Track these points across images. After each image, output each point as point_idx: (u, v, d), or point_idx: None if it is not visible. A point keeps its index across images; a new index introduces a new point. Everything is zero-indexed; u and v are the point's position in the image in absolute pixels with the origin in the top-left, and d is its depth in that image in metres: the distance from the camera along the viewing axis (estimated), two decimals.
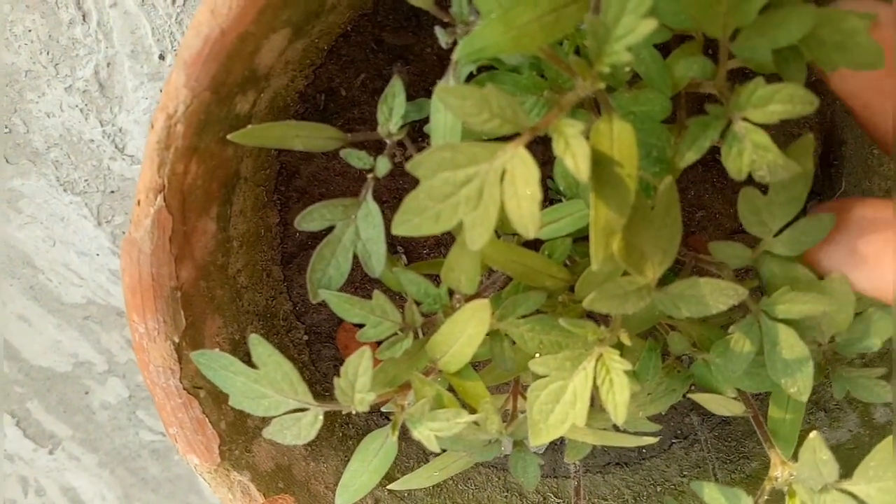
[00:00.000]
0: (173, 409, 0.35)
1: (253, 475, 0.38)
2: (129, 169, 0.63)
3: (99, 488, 0.73)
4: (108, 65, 0.60)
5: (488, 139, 0.39)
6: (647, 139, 0.31)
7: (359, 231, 0.33)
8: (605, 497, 0.50)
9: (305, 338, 0.47)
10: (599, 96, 0.27)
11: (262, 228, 0.43)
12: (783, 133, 0.46)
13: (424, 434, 0.31)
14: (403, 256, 0.46)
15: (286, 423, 0.31)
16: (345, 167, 0.45)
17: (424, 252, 0.47)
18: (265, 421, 0.34)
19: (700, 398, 0.36)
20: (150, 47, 0.59)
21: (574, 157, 0.25)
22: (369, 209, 0.33)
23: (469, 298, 0.33)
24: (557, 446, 0.51)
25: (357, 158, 0.33)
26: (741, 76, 0.44)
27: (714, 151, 0.31)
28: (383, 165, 0.33)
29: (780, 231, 0.33)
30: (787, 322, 0.34)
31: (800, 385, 0.32)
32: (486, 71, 0.34)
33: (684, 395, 0.38)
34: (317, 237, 0.46)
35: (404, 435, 0.35)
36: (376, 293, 0.32)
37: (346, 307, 0.32)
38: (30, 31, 0.59)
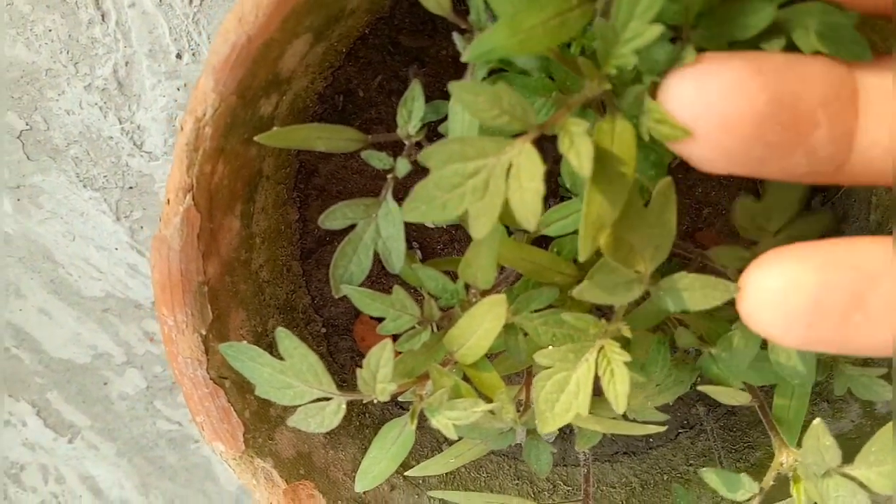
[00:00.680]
0: (200, 398, 0.37)
1: (275, 462, 0.40)
2: (147, 165, 0.64)
3: (117, 476, 0.75)
4: (127, 63, 0.61)
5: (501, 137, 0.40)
6: (648, 142, 0.33)
7: (379, 229, 0.34)
8: (614, 485, 0.52)
9: (323, 330, 0.48)
10: (606, 97, 0.29)
11: (283, 225, 0.44)
12: None
13: (443, 423, 0.33)
14: (419, 252, 0.48)
15: (310, 412, 0.33)
16: (362, 166, 0.46)
17: (439, 248, 0.48)
18: (287, 410, 0.36)
19: (708, 389, 0.38)
20: (168, 46, 0.60)
21: (578, 154, 0.26)
22: (389, 208, 0.34)
23: (484, 294, 0.35)
24: (567, 436, 0.53)
25: (378, 160, 0.35)
26: None
27: None
28: (403, 166, 0.34)
29: (780, 230, 0.34)
30: None
31: (803, 377, 0.33)
32: (498, 73, 0.35)
33: (692, 387, 0.39)
34: (334, 234, 0.47)
35: (420, 425, 0.36)
36: (396, 288, 0.34)
37: (368, 301, 0.34)
38: (50, 30, 0.60)
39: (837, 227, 0.52)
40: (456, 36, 0.32)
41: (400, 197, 0.46)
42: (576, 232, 0.39)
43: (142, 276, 0.66)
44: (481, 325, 0.32)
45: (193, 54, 0.60)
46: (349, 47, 0.43)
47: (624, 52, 0.27)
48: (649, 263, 0.29)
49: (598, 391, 0.33)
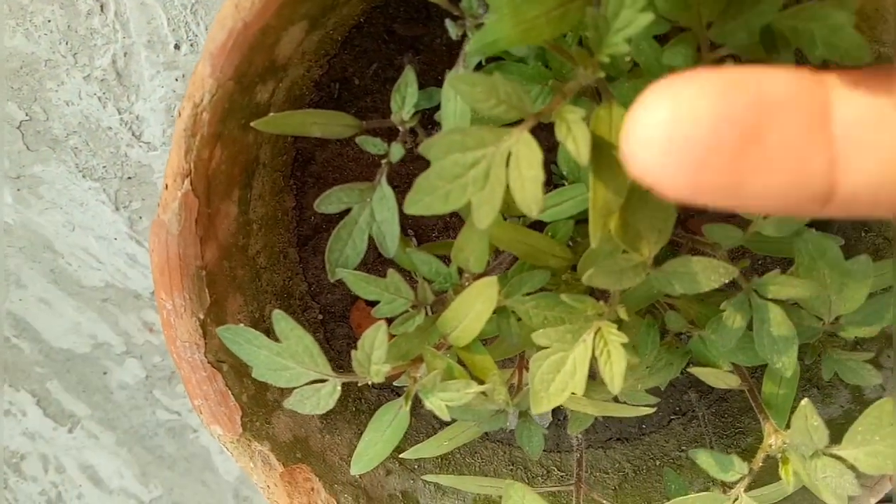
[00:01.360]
0: (198, 381, 0.37)
1: (272, 446, 0.40)
2: (146, 155, 0.64)
3: (117, 466, 0.75)
4: (125, 54, 0.61)
5: (495, 125, 0.41)
6: None
7: (374, 213, 0.35)
8: (606, 470, 0.52)
9: (320, 317, 0.49)
10: (600, 85, 0.29)
11: (280, 212, 0.45)
12: None
13: (436, 404, 0.33)
14: (414, 239, 0.48)
15: (306, 394, 0.34)
16: (358, 153, 0.47)
17: (434, 234, 0.49)
18: (284, 395, 0.36)
19: (698, 372, 0.38)
20: (166, 37, 0.61)
21: (575, 141, 0.27)
22: (384, 193, 0.35)
23: (477, 277, 0.35)
24: (561, 422, 0.53)
25: (372, 145, 0.35)
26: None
27: None
28: (397, 151, 0.35)
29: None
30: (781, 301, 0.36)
31: (785, 361, 0.34)
32: (493, 62, 0.36)
33: (683, 371, 0.40)
34: (331, 221, 0.48)
35: (414, 410, 0.37)
36: (390, 272, 0.34)
37: (363, 285, 0.34)
38: (49, 21, 0.61)
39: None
40: (448, 23, 0.33)
41: (394, 182, 0.47)
42: (570, 217, 0.39)
43: (141, 266, 0.67)
44: (473, 308, 0.33)
45: (192, 45, 0.60)
46: (345, 35, 0.44)
47: (616, 41, 0.27)
48: (653, 247, 0.30)
49: (589, 374, 0.34)
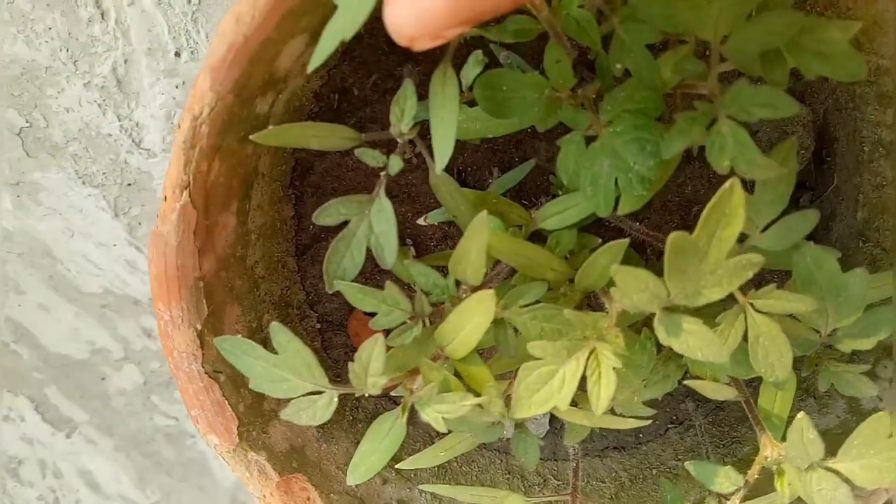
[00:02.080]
0: (195, 392, 0.37)
1: (269, 455, 0.40)
2: (146, 162, 0.65)
3: (115, 471, 0.76)
4: (126, 62, 0.62)
5: (493, 137, 0.41)
6: (641, 135, 0.33)
7: (372, 225, 0.35)
8: (603, 479, 0.52)
9: (318, 326, 0.49)
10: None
11: (278, 222, 0.45)
12: (778, 130, 0.48)
13: (432, 416, 0.34)
14: (412, 248, 0.48)
15: (302, 405, 0.34)
16: (356, 163, 0.47)
17: (432, 245, 0.49)
18: (280, 404, 0.36)
19: (694, 384, 0.39)
20: (167, 45, 0.61)
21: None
22: (382, 205, 0.35)
23: (475, 289, 0.35)
24: (558, 430, 0.53)
25: (371, 157, 0.35)
26: (736, 78, 0.46)
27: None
28: (396, 164, 0.35)
29: (767, 227, 0.35)
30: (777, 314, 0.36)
31: (779, 375, 0.34)
32: (488, 69, 0.36)
33: (679, 382, 0.40)
34: (329, 230, 0.48)
35: (411, 419, 0.37)
36: (388, 284, 0.35)
37: (360, 297, 0.35)
38: (50, 28, 0.61)
39: (827, 224, 0.52)
40: None
41: (393, 194, 0.47)
42: (573, 226, 0.40)
43: (140, 272, 0.67)
44: (471, 320, 0.33)
45: (192, 52, 0.60)
46: (345, 46, 0.44)
47: None
48: None
49: (585, 386, 0.34)
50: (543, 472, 0.53)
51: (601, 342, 0.33)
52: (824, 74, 0.32)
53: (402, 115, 0.35)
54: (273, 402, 0.42)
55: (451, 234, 0.49)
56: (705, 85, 0.32)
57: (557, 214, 0.38)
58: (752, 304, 0.35)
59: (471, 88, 0.35)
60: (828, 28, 0.31)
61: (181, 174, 0.34)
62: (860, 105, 0.46)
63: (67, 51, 0.62)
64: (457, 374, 0.36)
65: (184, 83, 0.62)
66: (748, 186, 0.35)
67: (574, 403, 0.39)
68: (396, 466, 0.41)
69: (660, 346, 0.39)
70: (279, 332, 0.32)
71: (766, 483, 0.40)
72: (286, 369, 0.33)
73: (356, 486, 0.45)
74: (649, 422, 0.37)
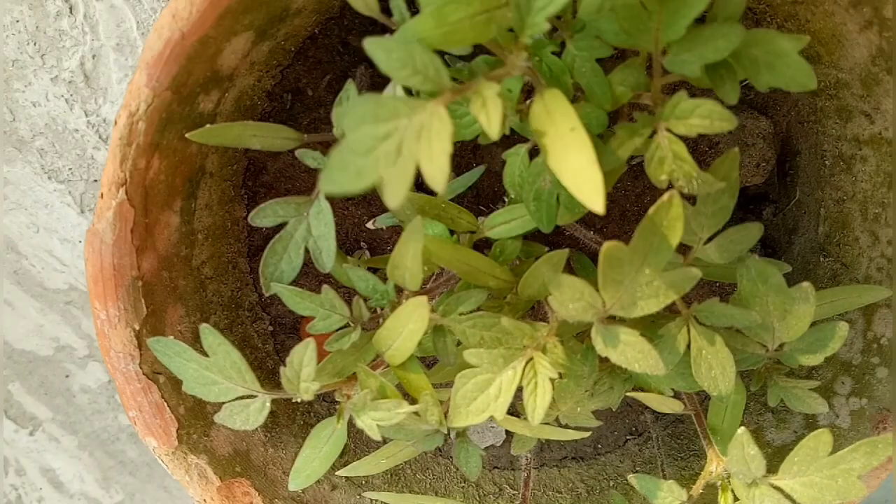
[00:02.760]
0: (133, 393, 0.37)
1: (210, 459, 0.40)
2: None
3: (78, 470, 0.75)
4: (94, 57, 0.61)
5: None
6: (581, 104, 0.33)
7: (311, 227, 0.34)
8: (560, 490, 0.52)
9: (270, 328, 0.48)
10: (529, 73, 0.29)
11: (229, 222, 0.44)
12: (738, 143, 0.48)
13: (367, 423, 0.33)
14: (367, 252, 0.48)
15: (236, 409, 0.33)
16: None
17: (388, 249, 0.48)
18: (222, 407, 0.36)
19: (640, 396, 0.38)
20: (135, 40, 0.60)
21: (488, 115, 0.26)
22: (321, 207, 0.34)
23: (414, 295, 0.35)
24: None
25: (311, 158, 0.35)
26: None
27: None
28: None
29: (710, 239, 0.34)
30: (722, 327, 0.36)
31: (722, 389, 0.33)
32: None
33: (626, 394, 0.39)
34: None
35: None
36: (325, 287, 0.34)
37: (297, 300, 0.34)
38: (17, 21, 0.60)
39: (789, 238, 0.52)
40: (388, 37, 0.32)
41: (348, 196, 0.46)
42: (517, 237, 0.39)
43: None
44: (406, 326, 0.33)
45: (140, 56, 0.60)
46: (298, 46, 0.43)
47: (537, 20, 0.27)
48: None
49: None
50: (499, 482, 0.52)
51: (539, 352, 0.33)
52: (775, 86, 0.31)
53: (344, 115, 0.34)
54: (216, 405, 0.41)
55: None
56: (648, 95, 0.32)
57: (504, 224, 0.37)
58: (695, 317, 0.35)
59: None
60: (778, 40, 0.30)
61: (117, 171, 0.33)
62: (821, 118, 0.46)
63: (35, 44, 0.61)
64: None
65: None
66: (691, 198, 0.34)
67: (518, 413, 0.38)
68: (338, 473, 0.40)
69: (604, 357, 0.38)
70: (209, 335, 0.31)
71: (713, 499, 0.40)
72: (217, 372, 0.32)
73: (303, 492, 0.44)
74: (589, 434, 0.37)
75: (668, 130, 0.30)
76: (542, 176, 0.33)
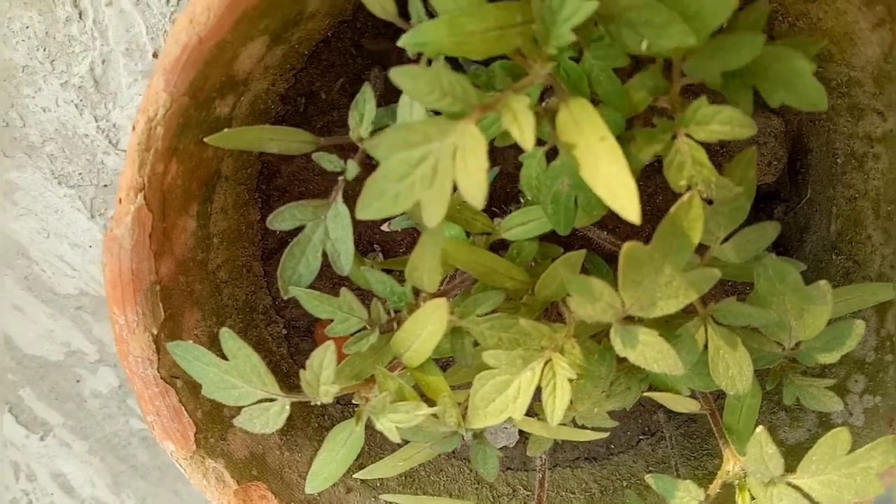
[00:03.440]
0: (151, 397, 0.37)
1: (227, 462, 0.40)
2: (122, 164, 0.64)
3: (89, 475, 0.75)
4: (104, 62, 0.61)
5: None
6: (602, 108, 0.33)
7: (328, 231, 0.34)
8: (573, 490, 0.52)
9: (284, 332, 0.49)
10: (552, 81, 0.29)
11: (244, 225, 0.44)
12: (750, 140, 0.48)
13: (386, 426, 0.33)
14: (380, 255, 0.48)
15: (255, 413, 0.33)
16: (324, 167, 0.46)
17: (401, 251, 0.48)
18: (240, 410, 0.36)
19: (657, 396, 0.38)
20: (145, 45, 0.60)
21: (520, 128, 0.27)
22: (338, 210, 0.34)
23: (432, 297, 0.35)
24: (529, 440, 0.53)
25: (328, 161, 0.35)
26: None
27: None
28: (353, 168, 0.35)
29: (727, 238, 0.34)
30: (739, 327, 0.36)
31: (739, 388, 0.34)
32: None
33: (642, 394, 0.39)
34: (297, 234, 0.48)
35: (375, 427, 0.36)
36: (343, 290, 0.34)
37: (315, 303, 0.34)
38: (27, 27, 0.60)
39: (800, 236, 0.52)
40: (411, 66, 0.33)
41: (351, 198, 0.46)
42: (533, 239, 0.39)
43: None
44: (425, 328, 0.33)
45: (157, 61, 0.60)
46: (311, 50, 0.43)
47: (562, 32, 0.27)
48: None
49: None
50: (513, 483, 0.52)
51: (557, 353, 0.33)
52: (789, 103, 0.32)
53: (360, 119, 0.34)
54: (233, 409, 0.41)
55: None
56: (666, 99, 0.32)
57: (521, 226, 0.37)
58: (712, 317, 0.35)
59: None
60: (796, 59, 0.30)
61: (136, 176, 0.34)
62: (833, 116, 0.46)
63: (44, 50, 0.61)
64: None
65: None
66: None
67: (535, 414, 0.38)
68: (355, 476, 0.40)
69: (621, 358, 0.38)
70: (228, 339, 0.32)
71: (730, 498, 0.40)
72: (237, 376, 0.32)
73: (318, 495, 0.44)
74: (607, 434, 0.37)
75: (688, 136, 0.30)
76: (559, 179, 0.33)
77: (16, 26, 0.59)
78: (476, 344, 0.35)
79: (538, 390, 0.33)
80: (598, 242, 0.44)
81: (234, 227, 0.43)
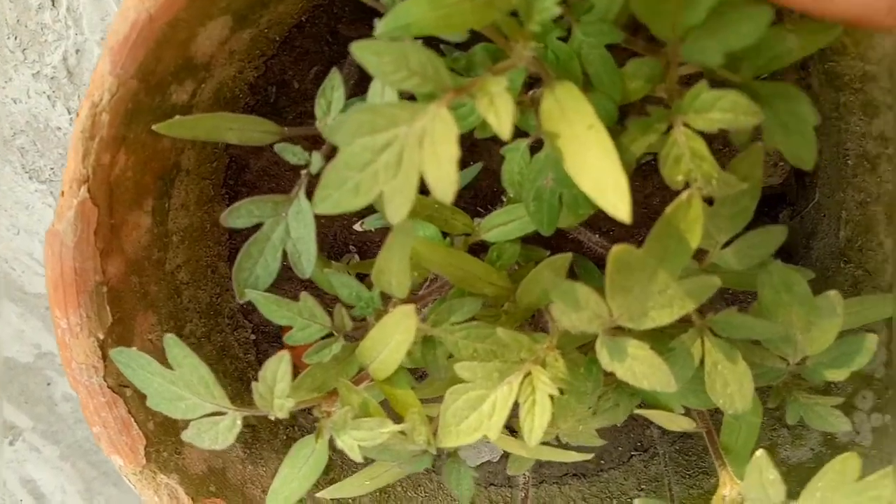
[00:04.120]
0: (96, 407, 0.34)
1: (182, 478, 0.37)
2: None
3: (59, 481, 0.72)
4: (77, 51, 0.59)
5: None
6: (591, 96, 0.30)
7: (289, 229, 0.31)
8: None
9: (252, 337, 0.46)
10: (536, 64, 0.26)
11: (208, 223, 0.41)
12: (752, 138, 0.44)
13: (348, 443, 0.30)
14: (356, 256, 0.45)
15: (203, 427, 0.30)
16: None
17: (378, 251, 0.45)
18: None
19: (649, 414, 0.35)
20: None
21: (497, 113, 0.24)
22: (301, 206, 0.31)
23: (403, 303, 0.32)
24: None
25: (292, 154, 0.32)
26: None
27: None
28: (317, 161, 0.32)
29: (728, 243, 0.31)
30: (740, 340, 0.33)
31: (738, 407, 0.30)
32: None
33: (633, 411, 0.36)
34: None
35: None
36: (304, 295, 0.31)
37: (273, 308, 0.31)
38: None
39: (807, 242, 0.49)
40: (377, 21, 0.30)
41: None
42: (515, 240, 0.36)
43: None
44: (392, 338, 0.30)
45: (104, 42, 0.57)
46: (283, 36, 0.40)
47: (546, 6, 0.24)
48: None
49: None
50: (496, 500, 0.49)
51: (538, 366, 0.30)
52: (778, 148, 0.29)
53: (328, 107, 0.31)
54: (188, 422, 0.38)
55: None
56: (663, 87, 0.29)
57: (502, 226, 0.34)
58: (710, 329, 0.32)
59: None
60: (803, 105, 0.28)
61: (79, 167, 0.31)
62: (844, 115, 0.43)
63: (16, 38, 0.58)
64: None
65: None
66: (707, 198, 0.31)
67: (514, 430, 0.35)
68: (318, 495, 0.37)
69: (609, 372, 0.35)
70: (174, 346, 0.29)
71: None
72: (183, 387, 0.29)
73: None
74: (591, 455, 0.34)
75: (686, 126, 0.27)
76: (543, 174, 0.30)
77: None
78: (451, 356, 0.32)
79: (517, 405, 0.30)
80: (590, 246, 0.41)
81: (198, 224, 0.40)
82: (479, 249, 0.38)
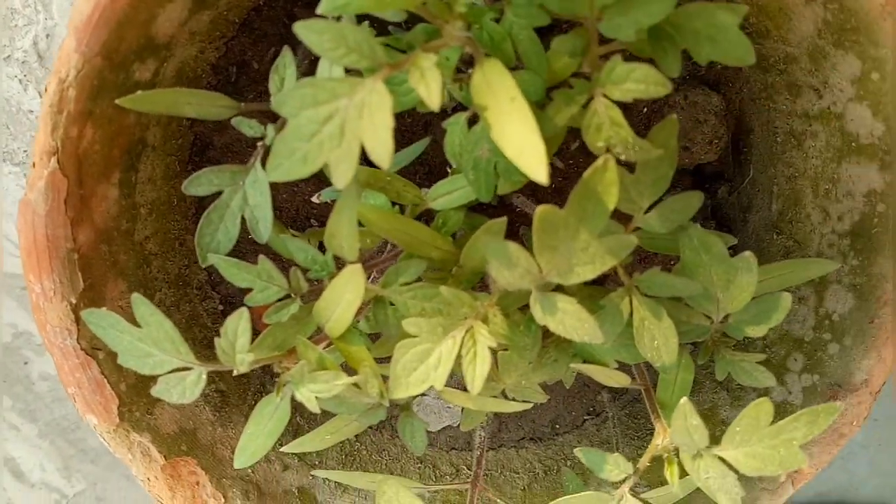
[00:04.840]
0: (71, 369, 0.36)
1: (154, 437, 0.39)
2: None
3: (38, 459, 0.74)
4: (48, 36, 0.60)
5: (399, 114, 0.40)
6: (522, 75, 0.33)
7: (247, 197, 0.34)
8: (517, 470, 0.52)
9: (220, 307, 0.48)
10: (469, 43, 0.29)
11: (175, 198, 0.44)
12: (691, 120, 0.47)
13: (305, 395, 0.33)
14: (318, 229, 0.47)
15: (171, 382, 0.32)
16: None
17: None
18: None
19: (584, 368, 0.38)
20: None
21: (427, 86, 0.26)
22: (257, 176, 0.34)
23: (360, 266, 0.34)
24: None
25: (248, 127, 0.34)
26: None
27: None
28: (272, 133, 0.34)
29: (650, 208, 0.34)
30: (666, 298, 0.35)
31: (665, 360, 0.33)
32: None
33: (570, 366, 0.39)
34: None
35: None
36: (262, 258, 0.33)
37: (234, 271, 0.34)
38: None
39: (744, 216, 0.52)
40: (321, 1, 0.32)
41: None
42: (459, 208, 0.39)
43: None
44: (343, 297, 0.32)
45: (69, 20, 0.59)
46: (243, 18, 0.43)
47: None
48: None
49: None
50: (457, 462, 0.52)
51: (479, 321, 0.32)
52: (715, 59, 0.31)
53: (281, 83, 0.34)
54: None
55: None
56: (585, 62, 0.31)
57: (446, 195, 0.37)
58: (637, 287, 0.35)
59: None
60: (719, 13, 0.30)
61: (49, 140, 0.33)
62: (772, 94, 0.46)
63: None
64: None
65: None
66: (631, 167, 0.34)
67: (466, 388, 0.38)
68: (283, 449, 0.39)
69: (549, 332, 0.38)
70: (140, 304, 0.31)
71: (662, 472, 0.40)
72: (151, 343, 0.31)
73: (252, 471, 0.44)
74: (531, 406, 0.37)
75: (605, 96, 0.30)
76: (479, 145, 0.33)
77: None
78: (403, 317, 0.35)
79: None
80: (531, 215, 0.43)
81: (165, 198, 0.42)
82: (429, 219, 0.40)
